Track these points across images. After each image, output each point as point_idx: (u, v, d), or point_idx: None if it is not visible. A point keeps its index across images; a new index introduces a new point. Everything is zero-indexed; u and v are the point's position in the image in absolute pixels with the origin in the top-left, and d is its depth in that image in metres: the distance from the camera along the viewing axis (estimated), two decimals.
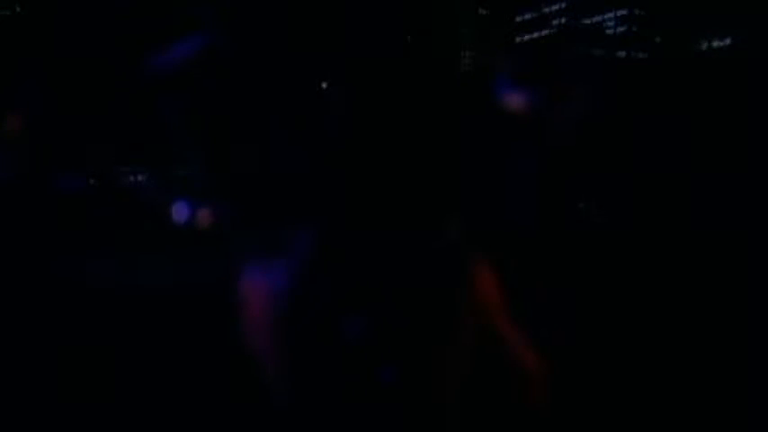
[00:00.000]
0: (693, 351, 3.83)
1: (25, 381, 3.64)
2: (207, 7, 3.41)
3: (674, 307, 3.90)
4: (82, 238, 3.81)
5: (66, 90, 3.78)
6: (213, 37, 3.31)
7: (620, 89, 4.21)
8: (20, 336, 3.67)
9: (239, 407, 3.33)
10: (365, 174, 1.93)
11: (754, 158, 4.05)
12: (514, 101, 4.06)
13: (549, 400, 2.07)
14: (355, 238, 1.93)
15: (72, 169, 3.70)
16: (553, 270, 3.88)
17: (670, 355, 3.80)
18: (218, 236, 3.07)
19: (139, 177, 3.15)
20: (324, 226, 1.95)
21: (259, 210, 3.60)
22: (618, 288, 3.94)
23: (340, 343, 1.89)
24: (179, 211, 3.03)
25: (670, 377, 3.73)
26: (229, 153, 3.76)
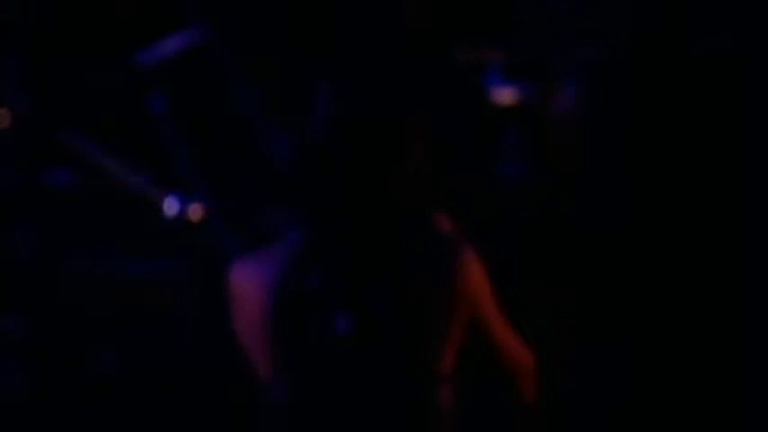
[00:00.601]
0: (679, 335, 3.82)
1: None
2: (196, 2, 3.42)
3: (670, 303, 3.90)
4: (72, 232, 3.82)
5: (53, 84, 3.77)
6: (203, 32, 3.31)
7: (616, 87, 4.21)
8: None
9: (231, 401, 3.33)
10: (353, 166, 1.92)
11: (755, 160, 4.04)
12: (505, 96, 4.05)
13: (541, 394, 2.06)
14: (345, 231, 1.93)
15: (60, 163, 3.70)
16: (546, 265, 3.88)
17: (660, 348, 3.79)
18: (209, 229, 3.06)
19: (130, 171, 3.15)
20: (315, 219, 1.94)
21: (250, 202, 3.60)
22: (613, 287, 3.93)
23: (332, 338, 1.89)
24: (170, 205, 3.02)
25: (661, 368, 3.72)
26: (219, 146, 3.76)
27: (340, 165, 1.91)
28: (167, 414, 3.60)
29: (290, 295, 1.91)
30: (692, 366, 3.71)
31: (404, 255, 1.91)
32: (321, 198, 1.93)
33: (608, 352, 3.77)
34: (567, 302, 3.83)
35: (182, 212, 2.99)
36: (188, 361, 3.64)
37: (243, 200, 3.60)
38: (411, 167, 1.93)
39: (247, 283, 1.96)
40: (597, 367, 3.72)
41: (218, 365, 3.43)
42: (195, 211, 3.00)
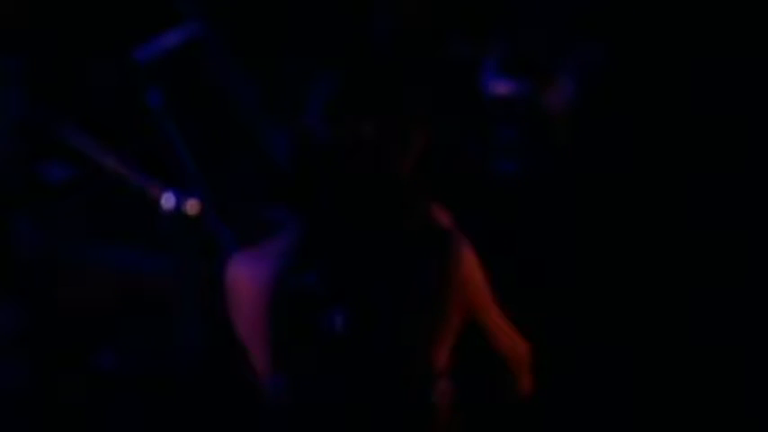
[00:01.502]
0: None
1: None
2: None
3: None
4: (71, 227, 3.82)
5: (51, 81, 3.78)
6: (199, 27, 3.32)
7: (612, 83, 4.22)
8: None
9: (231, 397, 3.34)
10: (349, 161, 1.93)
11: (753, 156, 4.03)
12: (501, 89, 4.05)
13: (535, 387, 2.07)
14: (341, 227, 1.93)
15: (59, 158, 3.70)
16: (542, 258, 3.88)
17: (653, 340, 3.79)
18: (207, 224, 3.07)
19: (127, 166, 3.16)
20: (312, 214, 1.95)
21: (248, 198, 3.61)
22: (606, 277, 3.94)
23: (328, 334, 1.89)
24: (167, 200, 3.03)
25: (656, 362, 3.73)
26: (217, 142, 3.77)
27: (336, 160, 1.91)
28: (167, 410, 3.61)
29: (286, 291, 1.92)
30: (690, 364, 3.70)
31: (400, 250, 1.92)
32: (317, 193, 1.93)
33: (605, 349, 3.77)
34: (562, 295, 3.84)
35: (179, 207, 2.99)
36: (188, 356, 3.64)
37: (240, 195, 3.61)
38: (408, 162, 1.93)
39: (244, 278, 1.97)
40: (594, 363, 3.72)
41: (218, 361, 3.43)
42: (192, 206, 3.00)
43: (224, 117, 3.64)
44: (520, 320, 2.07)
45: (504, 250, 3.56)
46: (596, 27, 4.18)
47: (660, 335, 3.79)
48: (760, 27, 4.05)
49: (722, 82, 4.06)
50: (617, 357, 3.74)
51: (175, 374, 3.61)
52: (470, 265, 1.95)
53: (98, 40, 3.83)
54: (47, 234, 3.76)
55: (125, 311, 3.77)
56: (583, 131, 4.18)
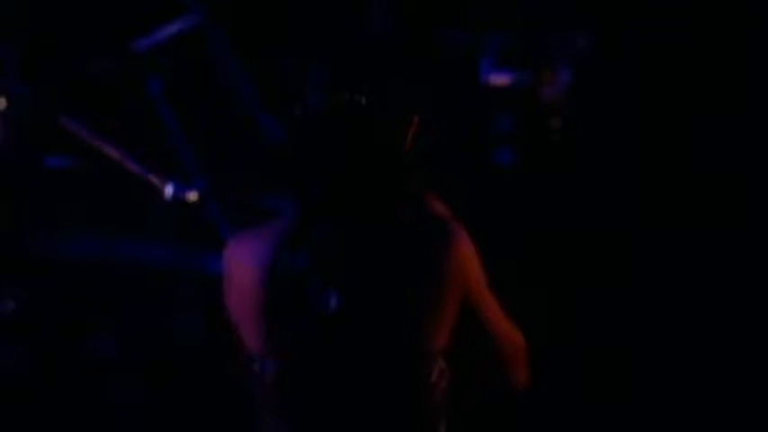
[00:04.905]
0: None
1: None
2: None
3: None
4: (71, 215, 3.82)
5: (52, 70, 3.78)
6: (199, 17, 3.33)
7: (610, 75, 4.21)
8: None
9: (222, 381, 3.35)
10: (345, 146, 1.93)
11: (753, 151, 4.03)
12: (499, 81, 4.06)
13: (531, 379, 2.08)
14: (336, 210, 1.94)
15: (60, 148, 3.71)
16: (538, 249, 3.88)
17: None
18: (205, 209, 3.08)
19: (128, 156, 3.16)
20: (307, 197, 1.95)
21: (247, 185, 3.62)
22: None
23: (322, 316, 1.90)
24: (167, 189, 3.04)
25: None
26: (216, 130, 3.78)
27: (332, 145, 1.92)
28: (165, 398, 3.62)
29: (280, 273, 1.92)
30: (690, 358, 3.70)
31: (395, 233, 1.93)
32: (313, 176, 1.94)
33: (603, 342, 3.77)
34: (560, 286, 3.84)
35: (179, 196, 3.00)
36: (187, 345, 3.65)
37: (240, 182, 3.61)
38: (405, 149, 1.94)
39: (239, 260, 1.97)
40: (591, 355, 3.72)
41: (216, 349, 3.44)
42: (192, 196, 3.01)
43: (223, 106, 3.65)
44: (516, 310, 2.07)
45: (501, 240, 3.56)
46: (587, 16, 4.18)
47: (659, 327, 3.79)
48: (748, 14, 4.04)
49: (717, 67, 4.05)
50: (614, 349, 3.74)
51: (175, 362, 3.62)
52: (467, 252, 1.95)
53: (99, 31, 3.84)
54: (49, 223, 3.76)
55: (126, 300, 3.78)
56: (579, 121, 4.18)
